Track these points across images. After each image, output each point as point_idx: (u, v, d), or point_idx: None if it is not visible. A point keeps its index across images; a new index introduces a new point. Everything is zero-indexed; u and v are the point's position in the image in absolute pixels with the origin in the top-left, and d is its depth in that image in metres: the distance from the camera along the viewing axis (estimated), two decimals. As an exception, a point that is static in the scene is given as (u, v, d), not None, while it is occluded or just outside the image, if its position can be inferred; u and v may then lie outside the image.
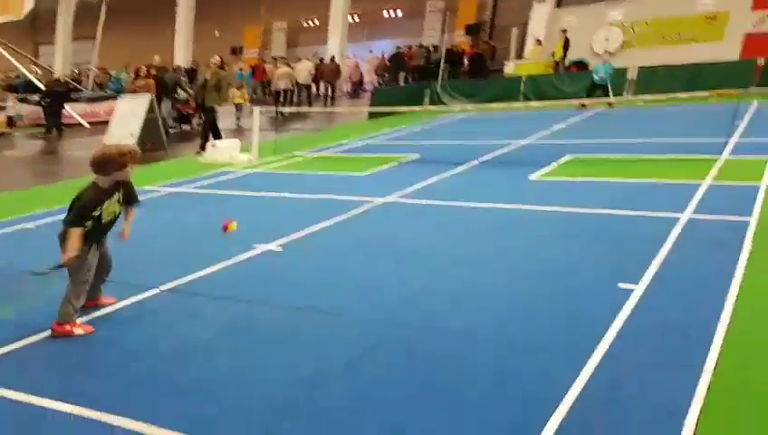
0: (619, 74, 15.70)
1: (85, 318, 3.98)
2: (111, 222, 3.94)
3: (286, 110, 16.52)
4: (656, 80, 15.25)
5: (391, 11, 29.98)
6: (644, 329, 3.45)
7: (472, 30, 26.64)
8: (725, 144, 8.31)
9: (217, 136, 11.51)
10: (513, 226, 5.67)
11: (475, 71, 22.36)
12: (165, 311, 4.15)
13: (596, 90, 14.85)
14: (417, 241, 5.37)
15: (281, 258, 5.09)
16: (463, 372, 3.13)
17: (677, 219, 5.38)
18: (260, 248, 5.26)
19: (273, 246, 5.34)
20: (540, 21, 21.76)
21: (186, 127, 16.13)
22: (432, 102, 17.02)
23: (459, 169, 8.33)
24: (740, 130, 9.51)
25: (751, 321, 3.48)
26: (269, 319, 3.91)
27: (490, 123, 13.65)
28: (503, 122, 13.56)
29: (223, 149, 10.14)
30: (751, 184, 6.36)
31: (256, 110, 11.12)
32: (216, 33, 33.47)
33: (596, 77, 14.87)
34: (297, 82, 20.46)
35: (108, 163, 3.81)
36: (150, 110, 11.86)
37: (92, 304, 4.17)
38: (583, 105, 13.88)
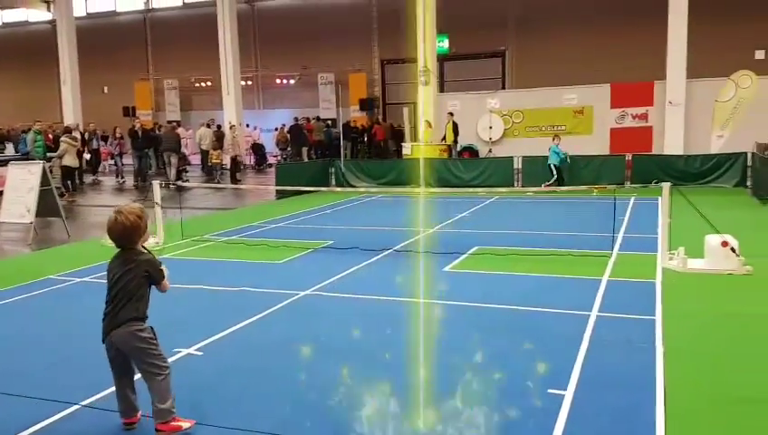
0: (507, 163, 16.84)
1: None
2: None
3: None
4: (537, 170, 16.43)
5: (284, 79, 30.52)
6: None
7: (366, 105, 27.65)
8: (614, 239, 9.05)
9: None
10: (437, 322, 5.79)
11: (381, 151, 23.71)
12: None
13: (551, 175, 15.56)
14: (343, 340, 5.36)
15: (203, 364, 4.89)
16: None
17: (587, 317, 5.77)
18: (180, 353, 5.04)
19: (193, 349, 5.13)
20: (427, 102, 22.89)
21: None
22: (338, 182, 17.32)
23: (375, 257, 8.47)
24: (624, 225, 10.44)
25: (684, 427, 3.72)
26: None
27: (397, 208, 14.05)
28: (409, 207, 14.01)
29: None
30: (646, 280, 6.97)
31: (156, 184, 10.56)
32: (105, 89, 32.60)
33: (551, 161, 15.59)
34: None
35: (135, 232, 3.73)
36: (44, 180, 10.67)
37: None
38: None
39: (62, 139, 17.41)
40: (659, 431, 3.65)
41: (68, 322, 6.12)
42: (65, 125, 22.40)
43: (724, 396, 4.12)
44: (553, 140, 16.22)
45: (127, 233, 3.70)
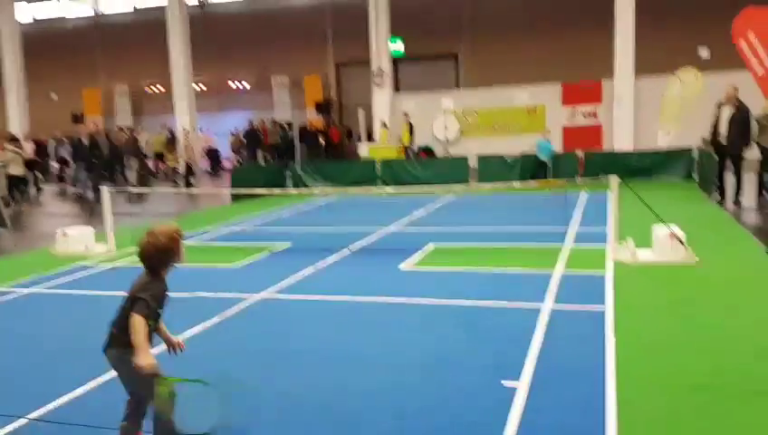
0: (463, 163, 17.00)
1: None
2: None
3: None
4: (492, 168, 16.62)
5: (238, 82, 30.15)
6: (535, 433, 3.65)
7: (323, 108, 27.51)
8: (565, 233, 9.23)
9: None
10: (393, 320, 5.82)
11: (338, 153, 23.64)
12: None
13: (540, 169, 15.70)
14: (300, 342, 5.32)
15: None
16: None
17: (540, 310, 5.86)
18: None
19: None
20: (382, 104, 23.04)
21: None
22: (295, 184, 17.21)
23: (332, 258, 8.44)
24: (575, 219, 10.66)
25: (635, 415, 3.78)
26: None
27: (354, 209, 14.05)
28: (366, 208, 14.03)
29: (76, 239, 9.39)
30: (597, 273, 7.13)
31: (105, 191, 10.20)
32: (53, 95, 31.68)
33: (541, 156, 15.77)
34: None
35: (164, 254, 3.36)
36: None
37: None
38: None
39: (7, 147, 16.86)
40: (611, 420, 3.73)
41: (11, 335, 5.91)
42: (10, 133, 21.67)
43: (674, 383, 4.22)
44: (544, 135, 16.47)
45: (153, 256, 3.34)
